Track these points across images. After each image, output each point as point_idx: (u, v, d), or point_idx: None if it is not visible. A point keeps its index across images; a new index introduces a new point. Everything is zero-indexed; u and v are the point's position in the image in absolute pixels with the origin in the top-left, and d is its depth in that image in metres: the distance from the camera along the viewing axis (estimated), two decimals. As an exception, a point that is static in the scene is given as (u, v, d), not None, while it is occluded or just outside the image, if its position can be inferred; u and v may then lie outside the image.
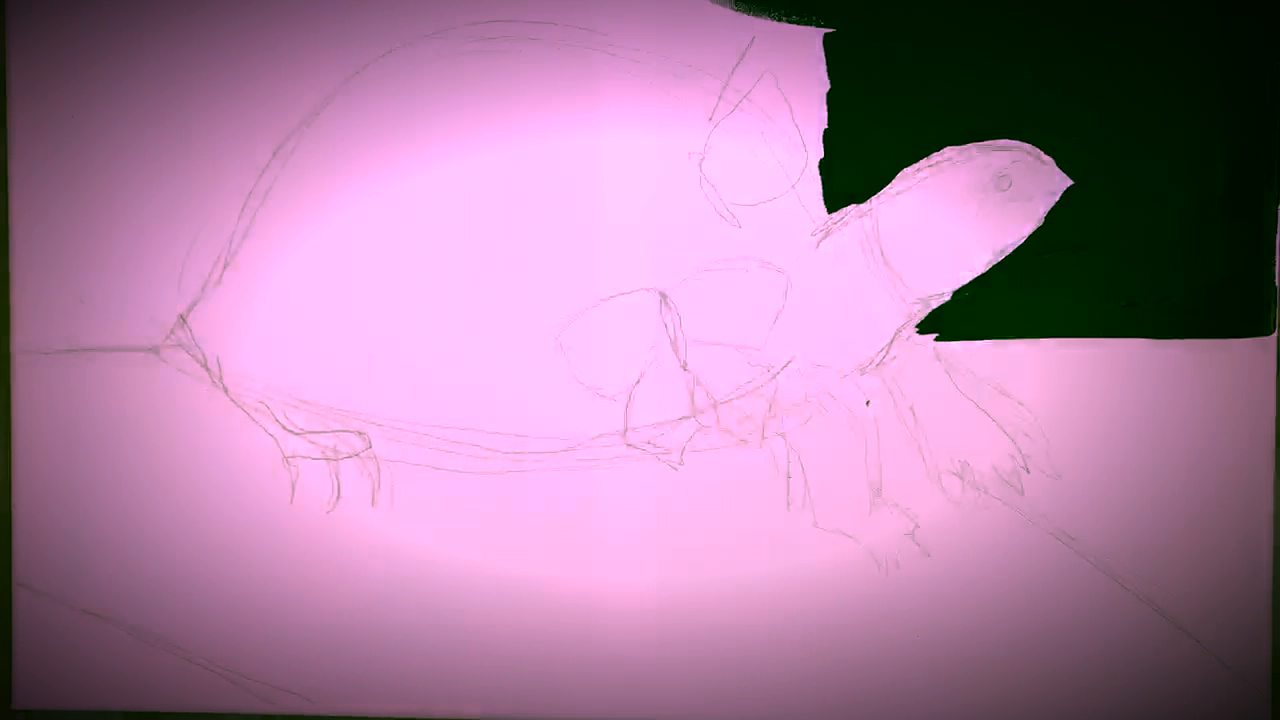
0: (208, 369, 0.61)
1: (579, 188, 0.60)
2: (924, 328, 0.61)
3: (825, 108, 0.60)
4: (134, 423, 0.62)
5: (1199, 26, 0.59)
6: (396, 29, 0.60)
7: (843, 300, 0.61)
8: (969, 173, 0.60)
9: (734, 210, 0.60)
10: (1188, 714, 0.61)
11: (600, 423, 0.61)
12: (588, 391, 0.61)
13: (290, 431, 0.61)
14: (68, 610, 0.62)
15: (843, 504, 0.61)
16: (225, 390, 0.61)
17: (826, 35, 0.59)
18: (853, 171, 0.60)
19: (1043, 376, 0.60)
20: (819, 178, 0.60)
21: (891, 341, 0.61)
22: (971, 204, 0.60)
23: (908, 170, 0.60)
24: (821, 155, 0.60)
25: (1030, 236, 0.60)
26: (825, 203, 0.60)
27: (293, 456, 0.62)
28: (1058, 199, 0.59)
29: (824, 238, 0.60)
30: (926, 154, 0.60)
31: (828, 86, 0.60)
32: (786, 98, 0.60)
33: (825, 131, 0.60)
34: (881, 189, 0.60)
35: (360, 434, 0.61)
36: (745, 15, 0.60)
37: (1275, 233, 0.59)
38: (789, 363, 0.61)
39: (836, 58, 0.60)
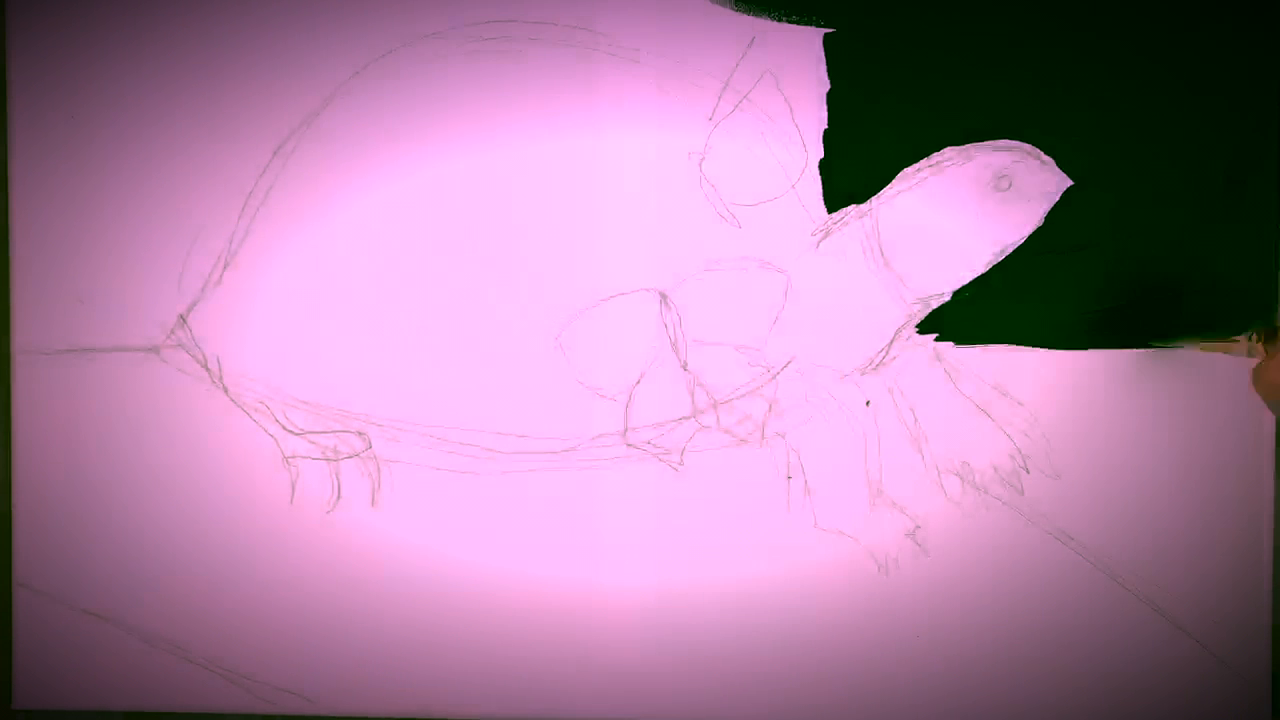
0: (208, 369, 0.61)
1: (579, 188, 0.60)
2: (924, 328, 0.61)
3: (825, 108, 0.60)
4: (134, 423, 0.62)
5: (1199, 26, 0.59)
6: (396, 29, 0.60)
7: (843, 300, 0.61)
8: (969, 173, 0.60)
9: (734, 210, 0.60)
10: (1188, 714, 0.61)
11: (600, 423, 0.61)
12: (588, 391, 0.61)
13: (290, 431, 0.61)
14: (68, 610, 0.62)
15: (843, 504, 0.61)
16: (225, 390, 0.61)
17: (826, 35, 0.59)
18: (853, 171, 0.60)
19: (1043, 376, 0.60)
20: (819, 178, 0.60)
21: (891, 342, 0.61)
22: (971, 204, 0.60)
23: (908, 170, 0.60)
24: (821, 155, 0.60)
25: (1030, 236, 0.60)
26: (825, 203, 0.60)
27: (293, 456, 0.62)
28: (1058, 199, 0.59)
29: (824, 238, 0.60)
30: (926, 154, 0.60)
31: (828, 86, 0.60)
32: (786, 98, 0.60)
33: (825, 131, 0.60)
34: (881, 189, 0.60)
35: (360, 434, 0.61)
36: (745, 15, 0.60)
37: (1276, 233, 0.59)
38: (789, 363, 0.61)
39: (836, 58, 0.60)
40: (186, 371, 0.61)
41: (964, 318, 0.60)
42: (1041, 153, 0.59)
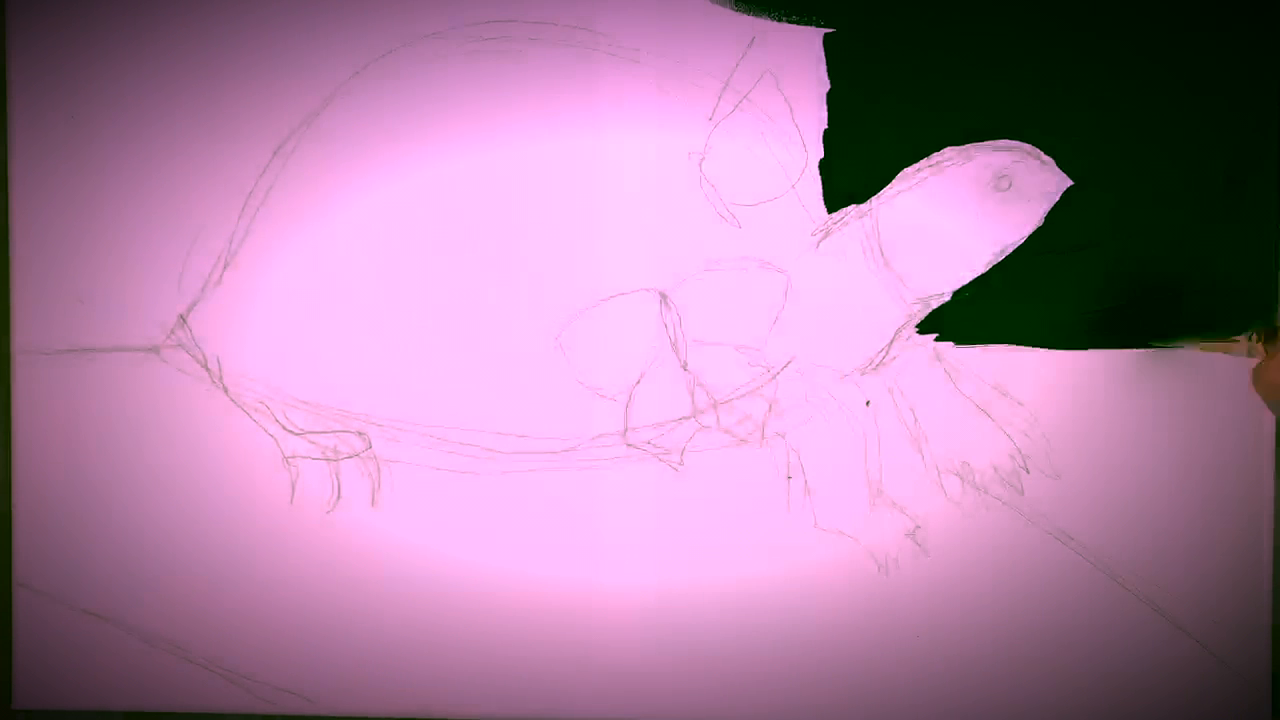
0: (208, 369, 0.61)
1: (579, 188, 0.60)
2: (924, 328, 0.61)
3: (825, 108, 0.60)
4: (134, 423, 0.62)
5: (1199, 26, 0.59)
6: (396, 29, 0.60)
7: (843, 300, 0.61)
8: (969, 173, 0.60)
9: (734, 210, 0.60)
10: (1188, 714, 0.61)
11: (600, 423, 0.61)
12: (588, 391, 0.61)
13: (290, 431, 0.61)
14: (68, 610, 0.62)
15: (843, 504, 0.61)
16: (225, 390, 0.61)
17: (826, 35, 0.59)
18: (853, 171, 0.60)
19: (1043, 376, 0.60)
20: (819, 178, 0.60)
21: (891, 342, 0.61)
22: (971, 204, 0.60)
23: (908, 170, 0.60)
24: (821, 155, 0.60)
25: (1030, 236, 0.60)
26: (825, 203, 0.60)
27: (293, 456, 0.62)
28: (1058, 199, 0.59)
29: (824, 238, 0.60)
30: (926, 154, 0.60)
31: (828, 86, 0.60)
32: (786, 98, 0.60)
33: (825, 131, 0.60)
34: (881, 189, 0.60)
35: (360, 434, 0.61)
36: (745, 15, 0.59)
37: (1276, 233, 0.59)
38: (789, 363, 0.61)
39: (836, 58, 0.60)
40: (186, 371, 0.61)
41: (964, 318, 0.60)
42: (1041, 153, 0.59)
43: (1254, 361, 0.54)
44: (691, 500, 0.61)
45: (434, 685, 0.62)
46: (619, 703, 0.62)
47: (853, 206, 0.60)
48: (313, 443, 0.61)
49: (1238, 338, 0.55)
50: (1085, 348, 0.60)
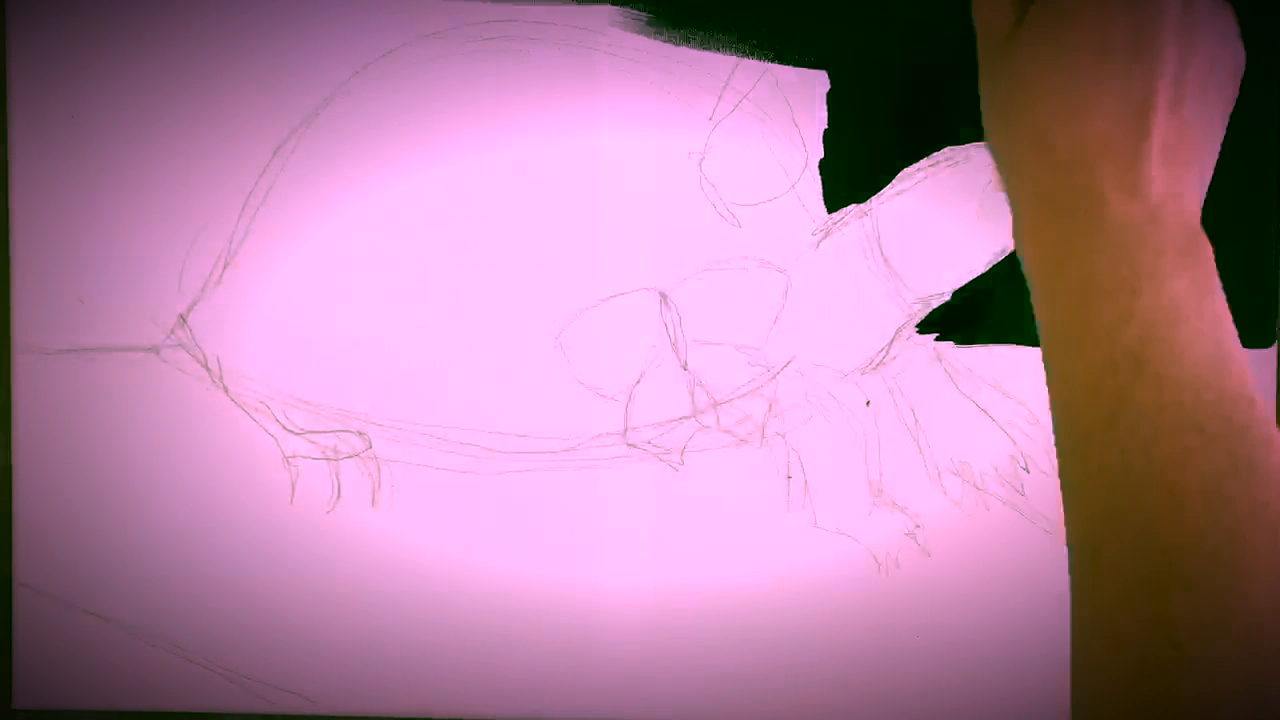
0: (208, 369, 0.61)
1: (579, 188, 0.60)
2: (924, 328, 0.61)
3: (825, 108, 0.60)
4: (134, 423, 0.62)
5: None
6: (396, 29, 0.60)
7: (843, 300, 0.61)
8: (969, 173, 0.60)
9: (734, 210, 0.60)
10: (1188, 714, 0.61)
11: (600, 423, 0.61)
12: (588, 391, 0.61)
13: (290, 431, 0.61)
14: (68, 610, 0.62)
15: (843, 504, 0.61)
16: (225, 390, 0.61)
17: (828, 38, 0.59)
18: (853, 171, 0.60)
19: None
20: (819, 178, 0.60)
21: (891, 341, 0.61)
22: (971, 204, 0.60)
23: (908, 170, 0.60)
24: (821, 155, 0.60)
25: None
26: (825, 203, 0.60)
27: (293, 456, 0.62)
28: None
29: (824, 238, 0.60)
30: (926, 154, 0.60)
31: (828, 86, 0.60)
32: (786, 98, 0.60)
33: (825, 131, 0.60)
34: (881, 189, 0.60)
35: (360, 434, 0.61)
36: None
37: (1276, 237, 0.59)
38: (789, 363, 0.61)
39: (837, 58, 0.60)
40: (186, 371, 0.61)
41: (964, 318, 0.60)
42: (1041, 153, 0.59)
43: None
44: (691, 500, 0.61)
45: (434, 685, 0.62)
46: (619, 703, 0.62)
47: (853, 206, 0.60)
48: (313, 443, 0.61)
49: None
50: (1085, 348, 0.60)
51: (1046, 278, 0.41)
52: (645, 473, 0.61)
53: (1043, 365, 0.44)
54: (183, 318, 0.61)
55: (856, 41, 0.59)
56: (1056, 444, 0.42)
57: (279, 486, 0.62)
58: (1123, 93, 0.41)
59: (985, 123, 0.46)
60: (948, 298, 0.60)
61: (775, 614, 0.61)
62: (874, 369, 0.61)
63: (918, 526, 0.61)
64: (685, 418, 0.61)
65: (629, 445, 0.61)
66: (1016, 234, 0.44)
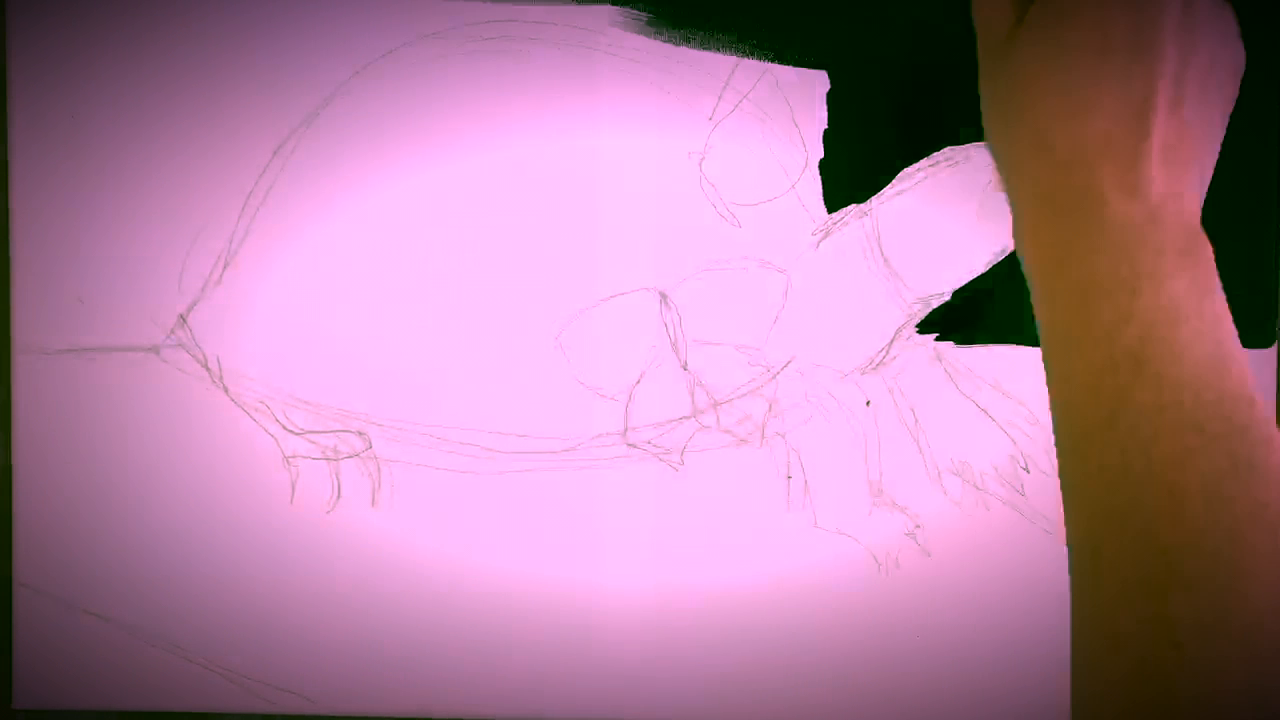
0: (208, 369, 0.61)
1: (579, 188, 0.60)
2: (924, 328, 0.61)
3: (825, 108, 0.60)
4: (134, 423, 0.62)
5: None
6: (396, 29, 0.60)
7: (843, 300, 0.61)
8: (969, 173, 0.60)
9: (734, 210, 0.60)
10: (1188, 714, 0.61)
11: (600, 423, 0.61)
12: (588, 391, 0.61)
13: (290, 431, 0.61)
14: (68, 610, 0.62)
15: (843, 504, 0.61)
16: (225, 390, 0.61)
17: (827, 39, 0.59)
18: (853, 171, 0.60)
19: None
20: (819, 178, 0.60)
21: (891, 341, 0.61)
22: (971, 204, 0.60)
23: (908, 170, 0.60)
24: (821, 155, 0.60)
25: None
26: (825, 203, 0.60)
27: (293, 456, 0.62)
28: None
29: (824, 238, 0.60)
30: (926, 154, 0.60)
31: (828, 86, 0.60)
32: (786, 98, 0.60)
33: (825, 131, 0.60)
34: (881, 189, 0.60)
35: (360, 434, 0.61)
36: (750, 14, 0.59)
37: (1276, 238, 0.59)
38: (789, 363, 0.61)
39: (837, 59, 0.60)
40: (186, 371, 0.61)
41: (964, 318, 0.60)
42: (1041, 153, 0.59)
43: None
44: (691, 500, 0.61)
45: (434, 685, 0.62)
46: (619, 703, 0.62)
47: (853, 206, 0.60)
48: (313, 443, 0.61)
49: None
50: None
51: (1046, 277, 0.41)
52: (645, 473, 0.61)
53: (1043, 365, 0.44)
54: (183, 318, 0.61)
55: (857, 41, 0.59)
56: (1056, 444, 0.42)
57: (279, 486, 0.62)
58: (1123, 93, 0.41)
59: (985, 122, 0.46)
60: (948, 298, 0.60)
61: (775, 614, 0.61)
62: (874, 369, 0.61)
63: (918, 526, 0.61)
64: (685, 418, 0.61)
65: (629, 445, 0.61)
66: (1016, 234, 0.44)
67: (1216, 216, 0.59)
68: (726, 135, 0.60)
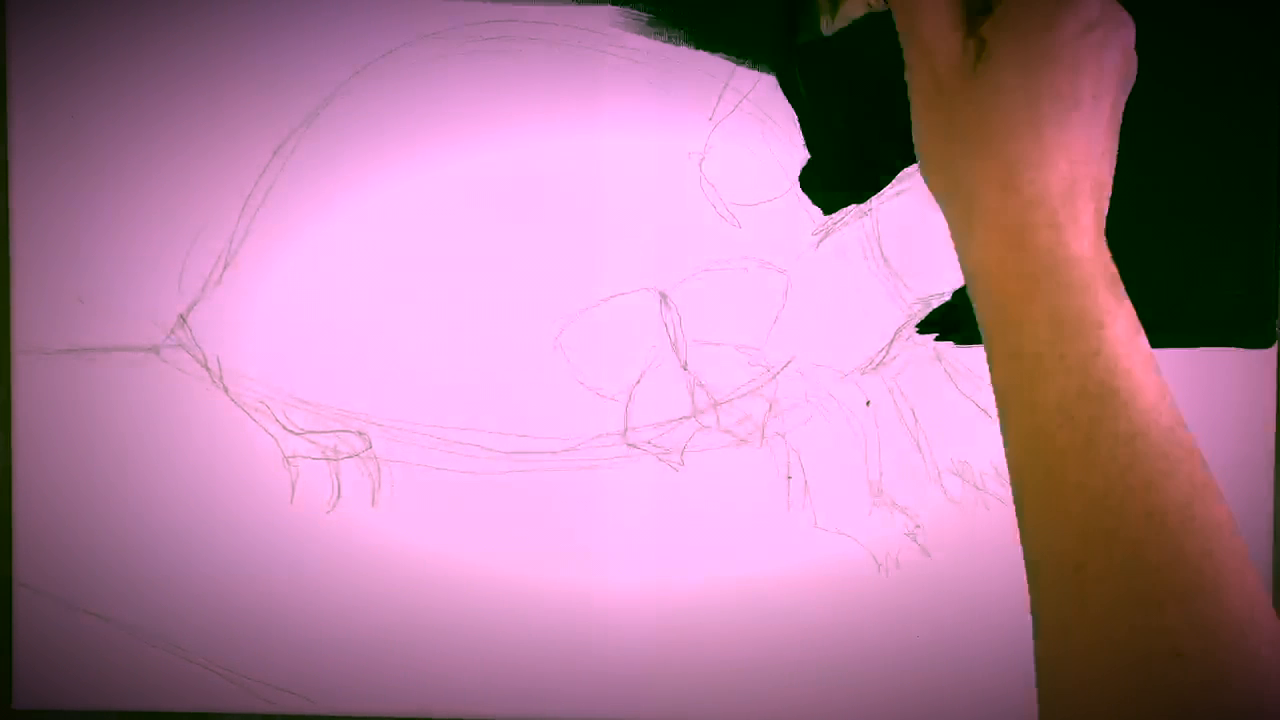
0: (208, 369, 0.61)
1: (579, 188, 0.60)
2: (924, 328, 0.61)
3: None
4: (134, 423, 0.62)
5: (1200, 29, 0.59)
6: (396, 29, 0.60)
7: (843, 300, 0.61)
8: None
9: (734, 210, 0.60)
10: (1187, 714, 0.61)
11: (600, 423, 0.61)
12: (588, 392, 0.61)
13: (290, 431, 0.61)
14: (68, 610, 0.62)
15: (843, 504, 0.61)
16: (225, 390, 0.61)
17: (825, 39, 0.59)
18: (853, 172, 0.60)
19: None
20: (811, 177, 0.60)
21: (891, 341, 0.61)
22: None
23: (908, 170, 0.60)
24: (820, 156, 0.60)
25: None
26: (819, 205, 0.60)
27: (293, 456, 0.62)
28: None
29: (824, 238, 0.60)
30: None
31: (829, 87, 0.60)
32: (786, 98, 0.60)
33: (825, 132, 0.60)
34: (881, 189, 0.60)
35: (360, 434, 0.61)
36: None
37: (1276, 238, 0.59)
38: (789, 363, 0.61)
39: (837, 57, 0.60)
40: (186, 371, 0.61)
41: (964, 318, 0.60)
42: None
43: None
44: (691, 500, 0.61)
45: (434, 685, 0.62)
46: (619, 703, 0.62)
47: (853, 206, 0.60)
48: (313, 443, 0.61)
49: None
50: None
51: (1016, 305, 0.42)
52: (645, 473, 0.61)
53: (997, 392, 0.44)
54: (183, 318, 0.61)
55: (857, 42, 0.59)
56: (1019, 466, 0.43)
57: (279, 486, 0.62)
58: (1088, 140, 0.43)
59: (927, 147, 0.46)
60: (948, 298, 0.60)
61: (775, 614, 0.61)
62: (874, 369, 0.61)
63: (918, 526, 0.61)
64: (685, 418, 0.61)
65: (629, 445, 0.61)
66: (971, 258, 0.44)
67: (1216, 216, 0.59)
68: (726, 135, 0.60)
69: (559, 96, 0.60)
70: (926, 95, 0.46)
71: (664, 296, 0.61)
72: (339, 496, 0.62)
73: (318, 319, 0.61)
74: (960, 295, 0.60)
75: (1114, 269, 0.43)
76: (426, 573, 0.62)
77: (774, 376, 0.61)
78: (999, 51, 0.44)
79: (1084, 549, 0.40)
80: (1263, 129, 0.59)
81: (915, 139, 0.47)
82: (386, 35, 0.60)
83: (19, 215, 0.61)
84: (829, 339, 0.61)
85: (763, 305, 0.61)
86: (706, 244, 0.60)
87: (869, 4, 0.54)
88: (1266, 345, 0.60)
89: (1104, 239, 0.44)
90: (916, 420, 0.61)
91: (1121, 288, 0.43)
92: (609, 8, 0.60)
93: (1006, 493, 0.60)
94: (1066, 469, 0.40)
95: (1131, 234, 0.60)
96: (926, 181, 0.47)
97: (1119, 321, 0.41)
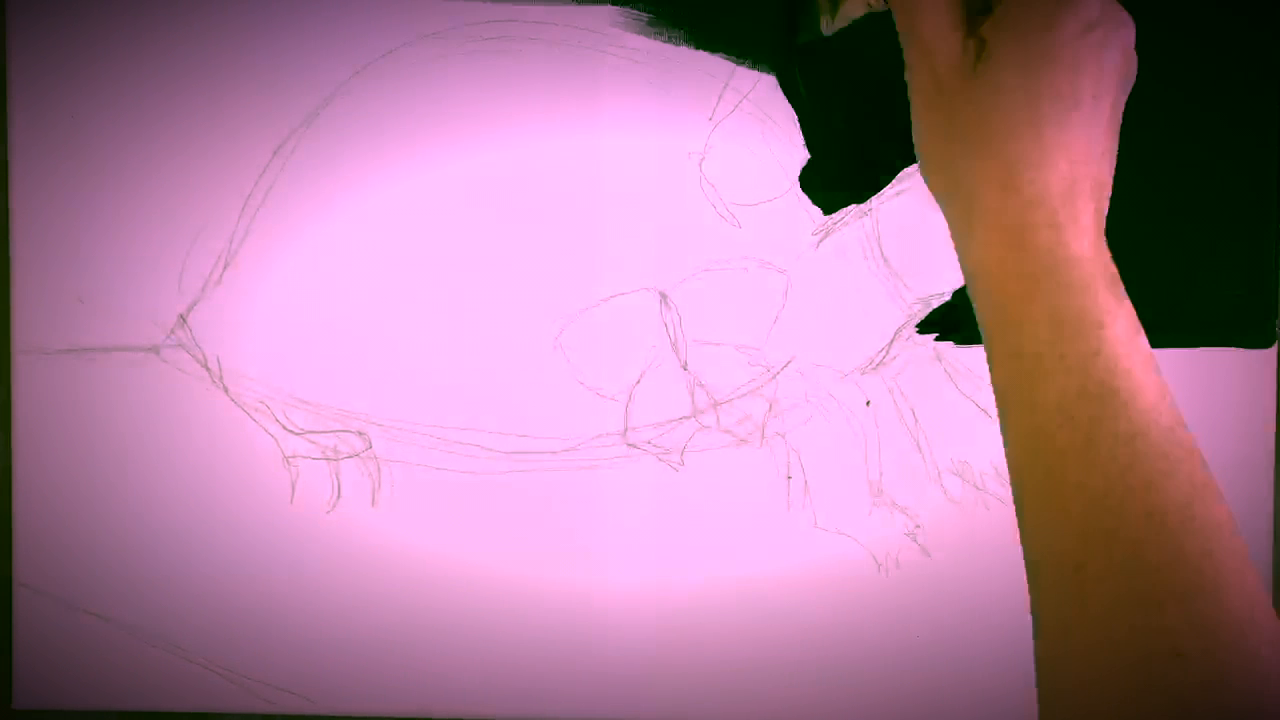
0: (208, 369, 0.61)
1: (579, 188, 0.60)
2: (924, 328, 0.61)
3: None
4: (134, 423, 0.62)
5: (1200, 29, 0.59)
6: (396, 29, 0.60)
7: (843, 300, 0.61)
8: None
9: (734, 210, 0.60)
10: (1188, 714, 0.61)
11: (600, 423, 0.61)
12: (588, 392, 0.61)
13: (290, 431, 0.61)
14: (68, 610, 0.62)
15: (843, 504, 0.61)
16: (225, 390, 0.61)
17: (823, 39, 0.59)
18: (853, 171, 0.60)
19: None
20: (811, 175, 0.60)
21: (891, 341, 0.61)
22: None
23: (908, 170, 0.60)
24: (819, 156, 0.60)
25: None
26: (820, 205, 0.60)
27: (293, 456, 0.62)
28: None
29: (824, 238, 0.60)
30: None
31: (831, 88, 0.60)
32: (786, 98, 0.60)
33: (825, 132, 0.60)
34: (881, 189, 0.60)
35: (360, 434, 0.61)
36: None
37: (1276, 238, 0.59)
38: (789, 363, 0.61)
39: (837, 57, 0.60)
40: (186, 371, 0.61)
41: (964, 318, 0.60)
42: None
43: None
44: (691, 500, 0.61)
45: (434, 685, 0.62)
46: (619, 703, 0.62)
47: (853, 206, 0.60)
48: (313, 443, 0.61)
49: None
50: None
51: (1016, 305, 0.42)
52: (645, 473, 0.61)
53: (996, 389, 0.44)
54: (183, 318, 0.61)
55: (858, 42, 0.59)
56: (1019, 465, 0.43)
57: (279, 486, 0.62)
58: (1088, 139, 0.43)
59: (927, 146, 0.46)
60: (948, 298, 0.60)
61: (775, 614, 0.61)
62: (874, 369, 0.61)
63: (918, 526, 0.61)
64: (685, 418, 0.61)
65: (629, 445, 0.61)
66: (971, 256, 0.44)
67: (1216, 216, 0.59)
68: (726, 135, 0.60)
69: (559, 96, 0.60)
70: (926, 95, 0.46)
71: (664, 296, 0.61)
72: (339, 496, 0.62)
73: (318, 319, 0.61)
74: (960, 295, 0.60)
75: (1114, 269, 0.43)
76: (426, 573, 0.62)
77: (774, 376, 0.61)
78: (999, 51, 0.44)
79: (1084, 549, 0.40)
80: (1263, 129, 0.59)
81: (915, 139, 0.47)
82: (386, 35, 0.60)
83: (19, 215, 0.61)
84: (829, 339, 0.61)
85: (763, 305, 0.61)
86: (706, 244, 0.60)
87: (869, 4, 0.54)
88: (1266, 345, 0.60)
89: (1104, 239, 0.44)
90: (916, 420, 0.61)
91: (1121, 288, 0.43)
92: (609, 8, 0.60)
93: (1006, 493, 0.60)
94: (1066, 469, 0.40)
95: (1131, 234, 0.60)
96: (926, 181, 0.47)
97: (1119, 321, 0.41)
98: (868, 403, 0.61)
